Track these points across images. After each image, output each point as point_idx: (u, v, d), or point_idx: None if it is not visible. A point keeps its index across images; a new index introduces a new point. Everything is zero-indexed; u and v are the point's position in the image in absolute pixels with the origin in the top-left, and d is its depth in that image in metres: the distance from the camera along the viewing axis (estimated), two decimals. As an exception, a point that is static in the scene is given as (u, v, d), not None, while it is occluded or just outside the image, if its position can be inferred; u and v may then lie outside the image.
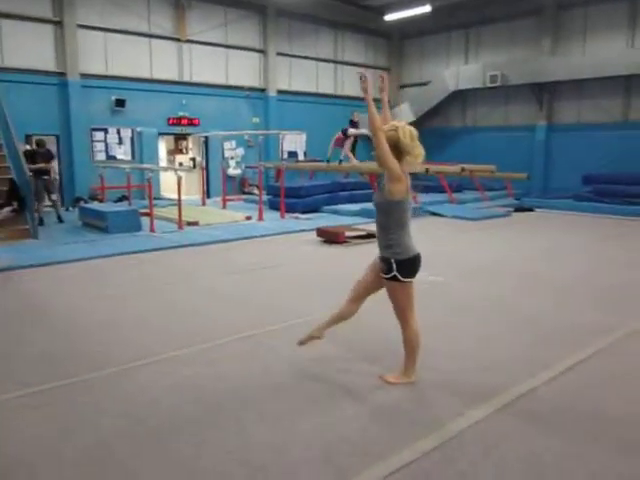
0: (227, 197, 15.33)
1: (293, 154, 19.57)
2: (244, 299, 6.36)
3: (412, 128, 3.60)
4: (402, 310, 3.74)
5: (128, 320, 5.59)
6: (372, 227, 11.08)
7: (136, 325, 5.42)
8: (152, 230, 10.78)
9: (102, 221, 10.71)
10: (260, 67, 18.38)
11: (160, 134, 16.93)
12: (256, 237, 10.59)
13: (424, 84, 20.85)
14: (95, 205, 12.13)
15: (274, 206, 13.90)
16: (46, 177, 11.59)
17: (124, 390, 3.96)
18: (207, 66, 17.09)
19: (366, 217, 12.18)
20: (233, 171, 18.20)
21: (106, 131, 15.60)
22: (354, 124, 14.32)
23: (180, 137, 18.67)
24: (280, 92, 18.69)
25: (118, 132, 15.83)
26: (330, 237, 9.88)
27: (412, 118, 19.43)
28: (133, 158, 16.12)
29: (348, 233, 9.89)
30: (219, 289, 6.84)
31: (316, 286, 6.92)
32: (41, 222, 11.26)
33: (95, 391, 3.95)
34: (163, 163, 18.80)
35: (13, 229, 10.08)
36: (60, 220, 11.91)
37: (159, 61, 16.18)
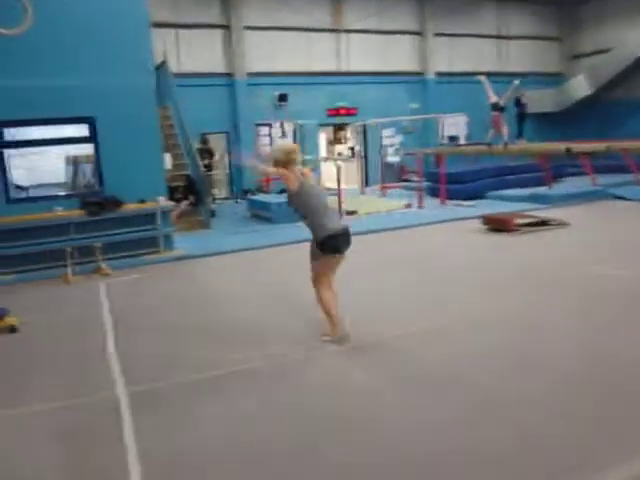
0: (386, 185, 15.16)
1: (454, 139, 18.74)
2: (421, 290, 6.12)
3: (282, 146, 5.01)
4: (316, 276, 4.61)
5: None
6: (544, 213, 10.32)
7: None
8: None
9: (267, 212, 11.17)
10: (417, 50, 17.84)
11: (320, 125, 17.26)
12: (417, 225, 10.27)
13: (602, 52, 18.61)
14: (261, 197, 12.72)
15: (434, 193, 13.41)
16: (210, 173, 12.43)
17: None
18: (364, 54, 17.04)
19: (537, 202, 11.19)
20: (392, 159, 17.96)
21: (270, 125, 16.32)
22: (522, 105, 13.20)
23: (339, 127, 18.90)
24: (439, 74, 18.00)
25: (281, 125, 16.47)
26: (498, 224, 9.19)
27: (587, 92, 17.48)
28: (295, 150, 16.65)
29: (518, 220, 9.11)
30: (388, 281, 6.67)
31: (495, 278, 6.43)
32: (213, 214, 12.10)
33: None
34: (323, 154, 19.25)
35: (191, 220, 10.96)
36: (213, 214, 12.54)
37: (317, 54, 16.49)
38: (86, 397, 3.96)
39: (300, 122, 16.50)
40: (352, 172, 17.76)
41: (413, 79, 17.84)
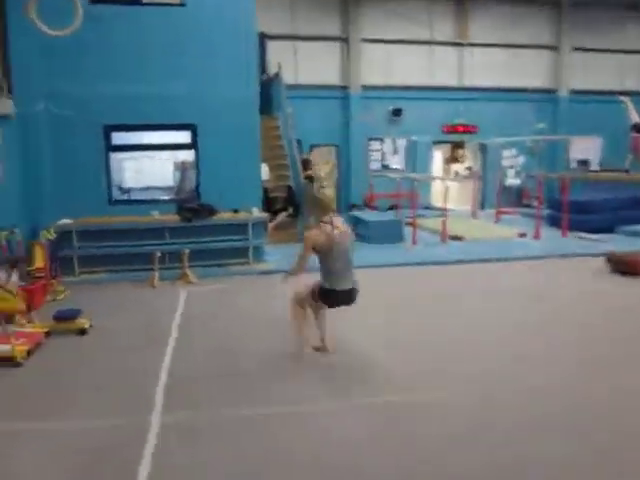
0: (502, 209, 14.02)
1: (584, 163, 16.99)
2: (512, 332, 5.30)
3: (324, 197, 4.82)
4: (303, 295, 4.68)
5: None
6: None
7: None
8: (413, 242, 10.30)
9: (364, 230, 10.67)
10: (550, 65, 16.42)
11: (435, 142, 16.46)
12: (526, 258, 9.20)
13: None
14: (360, 213, 12.24)
15: (555, 222, 12.09)
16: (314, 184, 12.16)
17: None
18: (488, 69, 15.97)
19: (679, 242, 9.60)
20: (511, 181, 16.68)
21: (382, 140, 15.83)
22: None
23: (457, 145, 17.93)
24: (573, 92, 16.41)
25: (393, 141, 15.92)
26: (624, 266, 7.91)
27: None
28: (406, 167, 16.03)
29: (651, 262, 7.79)
30: (476, 316, 5.89)
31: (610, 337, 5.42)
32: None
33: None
34: (438, 172, 18.38)
35: (287, 233, 10.75)
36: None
37: (438, 68, 15.73)
38: (119, 419, 3.71)
39: (413, 138, 15.84)
40: (467, 193, 16.75)
41: (542, 97, 16.42)
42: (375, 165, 15.85)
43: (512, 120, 16.07)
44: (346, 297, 4.60)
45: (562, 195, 12.38)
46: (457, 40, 15.71)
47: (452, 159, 19.01)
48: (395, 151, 16.00)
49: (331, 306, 4.66)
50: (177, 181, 10.24)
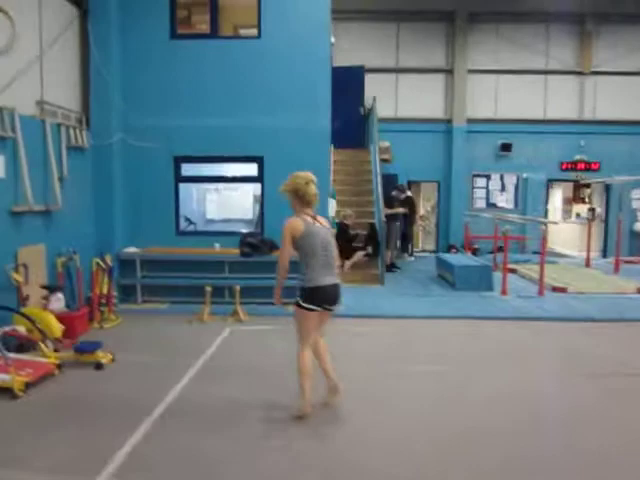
0: (625, 258, 12.16)
1: None
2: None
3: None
4: (299, 332, 4.26)
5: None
6: None
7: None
8: (503, 292, 9.11)
9: (451, 275, 9.68)
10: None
11: (550, 180, 14.89)
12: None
13: None
14: (447, 256, 11.22)
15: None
16: (398, 222, 11.43)
17: None
18: (614, 99, 14.21)
19: None
20: (640, 225, 14.54)
21: (488, 177, 14.65)
22: None
23: (583, 185, 16.05)
24: None
25: (501, 178, 14.67)
26: None
27: None
28: (516, 206, 14.65)
29: None
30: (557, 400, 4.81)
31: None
32: (392, 268, 11.09)
33: None
34: (558, 212, 16.63)
35: (364, 273, 10.09)
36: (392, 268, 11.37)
37: (555, 99, 14.32)
38: (72, 475, 3.32)
39: (525, 175, 14.47)
40: (591, 238, 14.85)
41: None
42: (481, 203, 14.68)
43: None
44: (333, 292, 4.24)
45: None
46: (577, 69, 14.20)
47: (576, 199, 17.13)
48: (503, 188, 14.70)
49: (320, 305, 4.18)
50: (255, 214, 10.10)
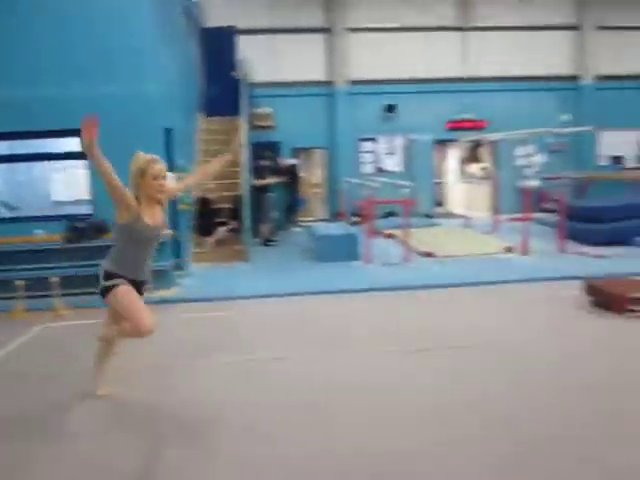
0: (510, 216, 12.13)
1: (618, 159, 14.62)
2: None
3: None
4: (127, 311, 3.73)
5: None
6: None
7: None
8: (366, 261, 8.69)
9: (314, 245, 9.19)
10: (571, 48, 14.20)
11: (439, 141, 14.62)
12: (494, 283, 7.40)
13: None
14: (316, 225, 10.73)
15: (571, 233, 9.82)
16: (270, 194, 10.77)
17: None
18: (497, 56, 13.99)
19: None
20: (529, 183, 14.54)
21: (375, 141, 14.20)
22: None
23: (477, 144, 15.89)
24: (600, 78, 14.12)
25: (389, 141, 14.26)
26: (604, 299, 6.01)
27: None
28: (406, 169, 14.32)
29: (637, 294, 5.82)
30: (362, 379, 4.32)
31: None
32: (268, 243, 10.48)
33: None
34: (452, 174, 16.48)
35: (229, 250, 9.44)
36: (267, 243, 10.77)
37: (438, 57, 13.94)
38: None
39: (412, 137, 14.11)
40: (485, 197, 14.78)
41: (564, 85, 14.23)
42: (368, 168, 14.25)
43: (528, 113, 13.99)
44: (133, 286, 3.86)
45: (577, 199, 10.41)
46: (460, 24, 13.85)
47: (471, 159, 17.04)
48: (391, 152, 14.31)
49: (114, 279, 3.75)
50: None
